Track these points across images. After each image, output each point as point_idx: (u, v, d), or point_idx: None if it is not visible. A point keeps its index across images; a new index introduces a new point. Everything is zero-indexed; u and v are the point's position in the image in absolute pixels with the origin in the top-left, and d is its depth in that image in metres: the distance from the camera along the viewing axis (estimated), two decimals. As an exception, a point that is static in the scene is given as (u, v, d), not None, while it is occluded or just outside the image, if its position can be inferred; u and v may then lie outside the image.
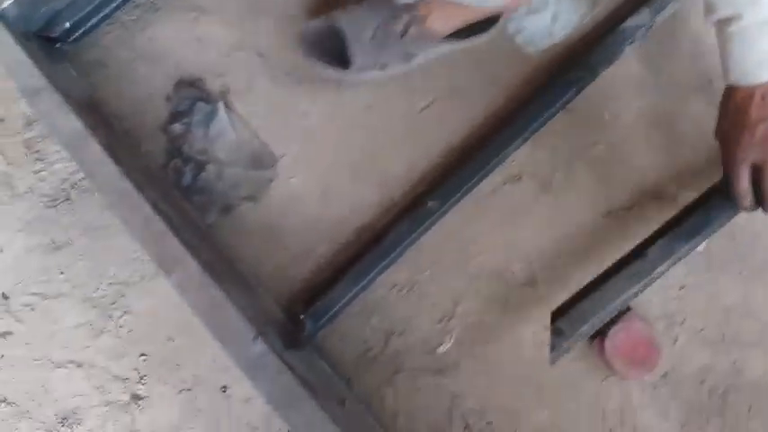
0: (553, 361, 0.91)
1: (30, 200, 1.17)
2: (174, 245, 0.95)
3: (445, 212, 1.05)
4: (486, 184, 1.08)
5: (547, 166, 1.10)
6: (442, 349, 1.04)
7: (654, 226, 0.96)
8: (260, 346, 0.89)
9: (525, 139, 1.08)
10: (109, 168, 0.97)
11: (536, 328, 1.04)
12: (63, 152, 1.17)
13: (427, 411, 1.02)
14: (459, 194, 1.05)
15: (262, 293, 1.05)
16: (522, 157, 1.10)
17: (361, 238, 1.09)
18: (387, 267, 1.04)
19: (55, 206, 1.16)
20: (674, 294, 1.04)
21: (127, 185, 0.96)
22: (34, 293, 1.13)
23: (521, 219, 1.08)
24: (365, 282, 1.02)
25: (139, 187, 1.00)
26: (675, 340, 1.03)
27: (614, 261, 0.95)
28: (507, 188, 1.10)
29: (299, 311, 1.02)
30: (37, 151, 1.19)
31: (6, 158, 1.19)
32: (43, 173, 1.18)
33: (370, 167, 1.12)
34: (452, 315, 1.05)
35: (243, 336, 0.90)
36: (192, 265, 0.94)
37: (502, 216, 1.09)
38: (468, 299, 1.06)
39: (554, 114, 1.10)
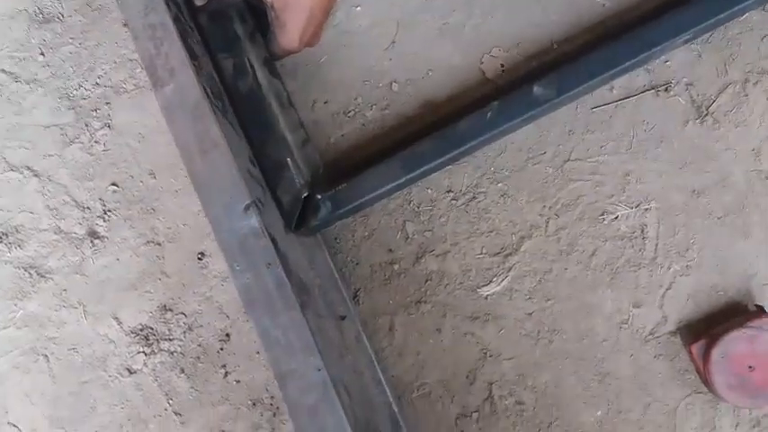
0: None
1: (25, -50, 0.90)
2: (176, 48, 0.68)
3: (554, 107, 0.74)
4: (621, 85, 0.76)
5: (711, 82, 0.77)
6: (486, 290, 0.77)
7: None
8: (251, 221, 0.65)
9: (693, 37, 0.74)
10: None
11: (622, 303, 0.75)
12: None
13: (444, 362, 0.76)
14: (579, 87, 0.74)
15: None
16: (681, 61, 0.76)
17: (426, 114, 0.80)
18: (449, 162, 0.75)
19: (53, -34, 0.89)
20: (835, 314, 0.73)
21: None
22: (4, 71, 0.88)
23: (653, 145, 0.76)
24: (414, 174, 0.74)
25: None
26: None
27: None
28: (649, 97, 0.77)
29: (318, 188, 0.75)
30: None
31: None
32: None
33: (465, 21, 0.80)
34: (514, 251, 0.77)
35: (232, 199, 0.66)
36: (191, 83, 0.68)
37: (629, 132, 0.77)
38: (542, 236, 0.77)
39: (743, 11, 0.75)
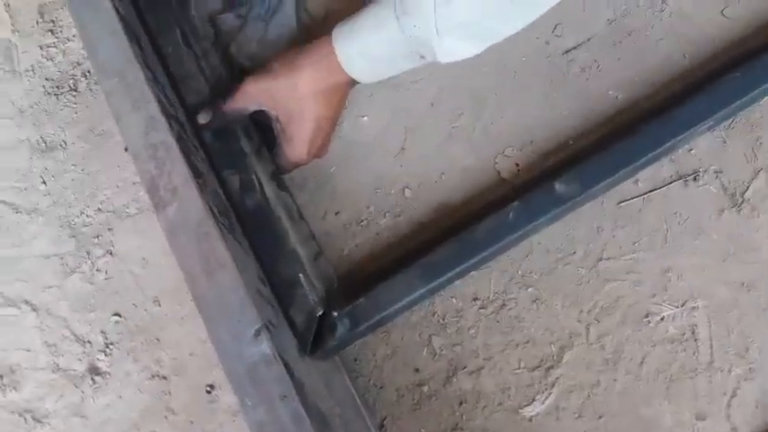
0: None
1: (29, 81, 0.90)
2: (179, 167, 0.65)
3: (577, 205, 0.69)
4: (646, 177, 0.72)
5: (741, 168, 0.73)
6: (530, 410, 0.69)
7: None
8: (262, 347, 0.59)
9: (716, 123, 0.71)
10: (118, 39, 0.68)
11: (683, 415, 0.67)
12: (80, 28, 0.89)
13: (488, 500, 0.67)
14: (603, 182, 0.69)
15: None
16: (705, 149, 0.73)
17: (442, 219, 0.75)
18: (472, 268, 0.69)
19: (57, 95, 0.88)
20: None
21: (135, 69, 0.67)
22: (4, 202, 0.85)
23: (689, 237, 0.71)
24: (435, 283, 0.68)
25: (155, 78, 0.70)
26: None
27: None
28: (677, 188, 0.73)
29: (333, 304, 0.69)
30: (51, 21, 0.91)
31: (15, 23, 0.92)
32: (52, 50, 0.90)
33: (474, 123, 0.77)
34: (555, 364, 0.70)
35: (240, 324, 0.60)
36: (195, 202, 0.64)
37: (662, 226, 0.72)
38: (584, 344, 0.70)
39: (762, 96, 0.73)
